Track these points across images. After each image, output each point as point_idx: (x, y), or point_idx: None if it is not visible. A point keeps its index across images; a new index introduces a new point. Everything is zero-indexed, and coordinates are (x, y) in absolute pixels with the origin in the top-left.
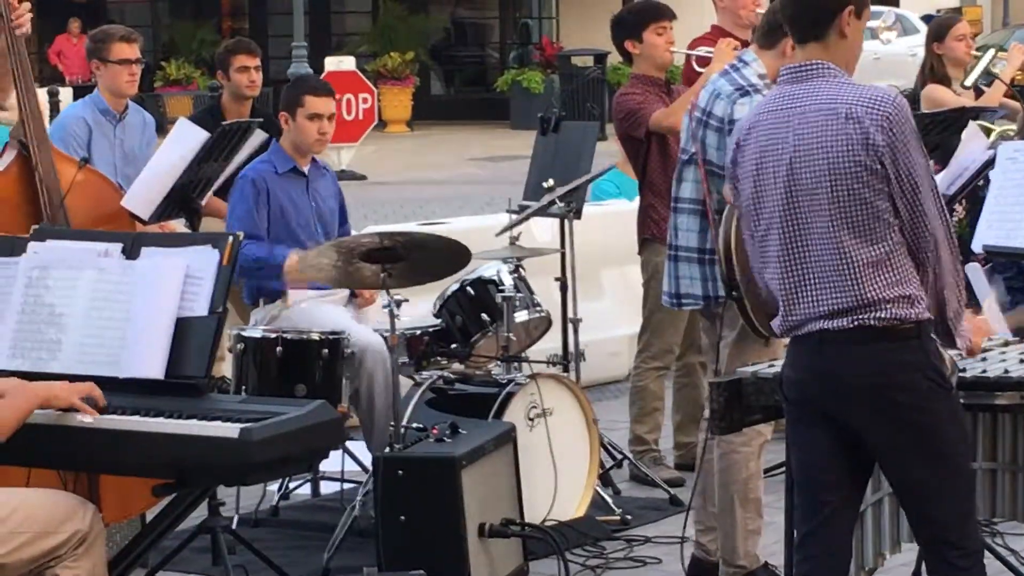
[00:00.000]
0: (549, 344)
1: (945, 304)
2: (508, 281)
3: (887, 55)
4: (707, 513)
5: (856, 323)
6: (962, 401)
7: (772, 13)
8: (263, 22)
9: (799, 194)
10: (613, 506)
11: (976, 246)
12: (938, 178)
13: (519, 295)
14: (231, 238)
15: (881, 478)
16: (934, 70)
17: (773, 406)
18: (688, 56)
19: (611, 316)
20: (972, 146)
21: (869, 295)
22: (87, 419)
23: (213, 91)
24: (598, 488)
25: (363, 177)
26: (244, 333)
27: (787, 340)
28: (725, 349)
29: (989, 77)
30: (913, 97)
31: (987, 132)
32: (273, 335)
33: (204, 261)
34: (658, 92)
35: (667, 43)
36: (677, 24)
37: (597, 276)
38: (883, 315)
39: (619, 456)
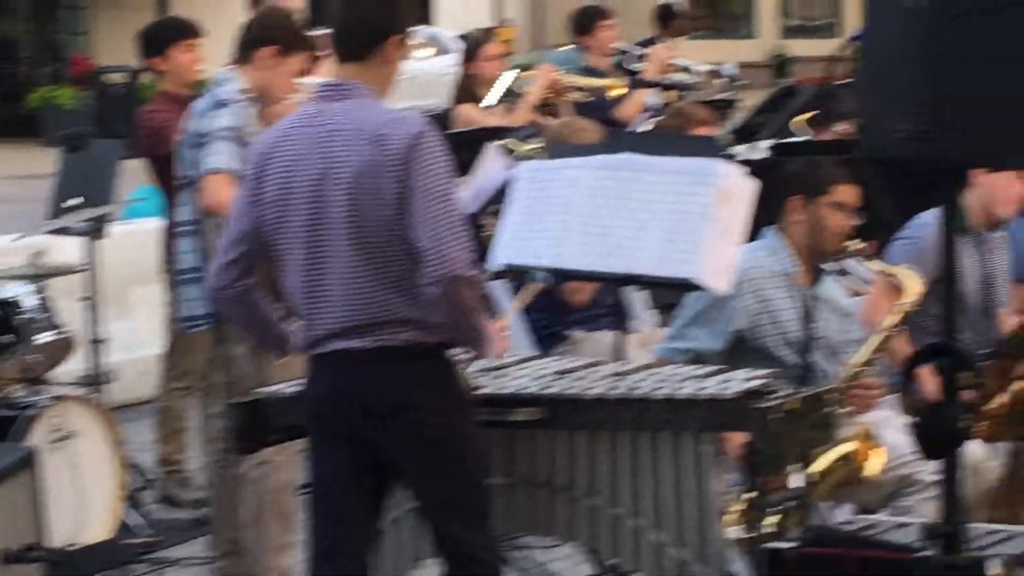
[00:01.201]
0: (77, 365)
1: (464, 325)
2: (29, 302)
3: (422, 74)
4: (223, 538)
5: (376, 343)
6: (480, 418)
7: (246, 29)
8: None
9: (323, 212)
10: (141, 528)
11: (495, 263)
12: (463, 196)
13: (41, 316)
14: None
15: (402, 495)
16: (466, 89)
17: (295, 425)
18: None
19: (141, 336)
20: (492, 165)
21: (387, 315)
22: None
23: None
24: (125, 510)
25: None
26: None
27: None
28: (241, 366)
29: (516, 96)
30: (447, 116)
31: (513, 151)
32: None
33: None
34: (184, 110)
35: (193, 60)
36: (216, 41)
37: (127, 295)
38: (402, 335)
39: (147, 477)
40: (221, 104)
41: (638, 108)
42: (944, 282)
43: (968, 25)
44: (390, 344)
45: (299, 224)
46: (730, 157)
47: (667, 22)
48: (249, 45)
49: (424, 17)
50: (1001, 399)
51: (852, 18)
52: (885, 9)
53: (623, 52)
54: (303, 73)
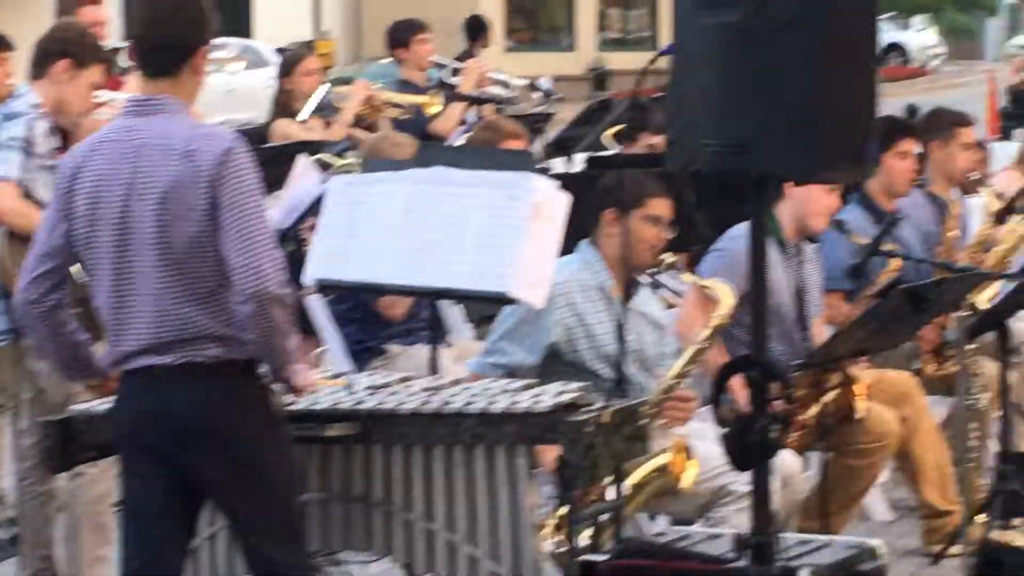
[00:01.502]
0: None
1: (274, 344)
2: None
3: (241, 88)
4: (34, 556)
5: (183, 360)
6: (293, 433)
7: (39, 43)
8: None
9: (131, 227)
10: None
11: (308, 279)
12: (275, 212)
13: None
14: None
15: (215, 512)
16: (284, 104)
17: (108, 443)
18: None
19: None
20: (304, 179)
21: (195, 332)
22: None
23: None
24: None
25: None
26: None
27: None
28: (44, 380)
29: (334, 111)
30: (265, 130)
31: (328, 165)
32: None
33: None
34: None
35: (3, 74)
36: (27, 55)
37: None
38: (210, 352)
39: None
40: (11, 116)
41: (455, 122)
42: (754, 294)
43: (775, 41)
44: (197, 361)
45: (108, 239)
46: (543, 171)
47: (476, 34)
48: (43, 59)
49: (243, 30)
50: (813, 409)
51: (669, 31)
52: (693, 24)
53: (439, 66)
54: (99, 86)
